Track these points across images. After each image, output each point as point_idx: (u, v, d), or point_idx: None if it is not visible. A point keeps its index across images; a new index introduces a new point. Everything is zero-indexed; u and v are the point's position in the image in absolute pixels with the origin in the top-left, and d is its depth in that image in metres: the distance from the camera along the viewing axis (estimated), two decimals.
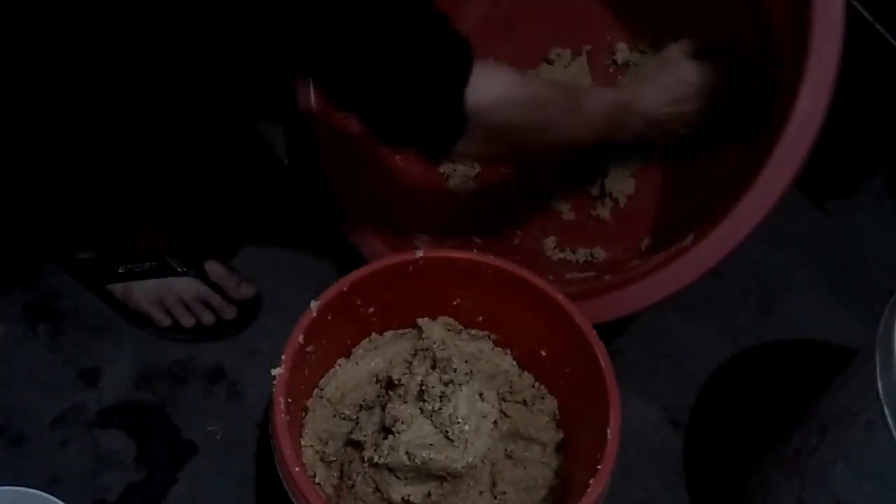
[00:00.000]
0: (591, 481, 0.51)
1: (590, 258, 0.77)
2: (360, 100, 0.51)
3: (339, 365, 0.64)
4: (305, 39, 0.47)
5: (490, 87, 0.52)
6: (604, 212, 0.79)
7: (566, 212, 0.81)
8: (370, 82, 0.49)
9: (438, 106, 0.51)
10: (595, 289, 0.65)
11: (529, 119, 0.56)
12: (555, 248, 0.79)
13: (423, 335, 0.62)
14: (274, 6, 0.45)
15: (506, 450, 0.61)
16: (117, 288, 0.75)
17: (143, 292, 0.75)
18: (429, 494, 0.56)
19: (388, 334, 0.67)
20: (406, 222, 0.78)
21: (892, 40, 0.79)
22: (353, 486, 0.57)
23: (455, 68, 0.50)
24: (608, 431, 0.53)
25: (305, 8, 0.45)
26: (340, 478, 0.59)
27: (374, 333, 0.66)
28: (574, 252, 0.78)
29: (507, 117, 0.54)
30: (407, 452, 0.54)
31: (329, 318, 0.59)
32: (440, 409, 0.55)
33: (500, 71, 0.54)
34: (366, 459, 0.56)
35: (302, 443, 0.60)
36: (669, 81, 0.68)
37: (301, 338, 0.56)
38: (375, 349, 0.65)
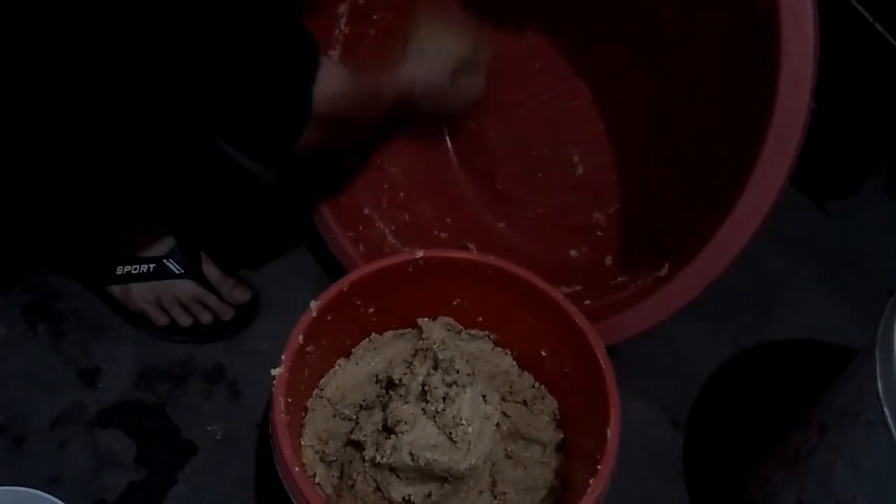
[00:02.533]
0: (591, 481, 0.50)
1: (576, 254, 0.77)
2: (207, 92, 0.52)
3: (339, 365, 0.64)
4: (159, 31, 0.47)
5: (332, 83, 0.56)
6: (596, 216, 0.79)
7: None
8: (220, 73, 0.51)
9: (289, 97, 0.54)
10: (593, 310, 0.65)
11: (357, 110, 0.61)
12: None
13: (424, 335, 0.62)
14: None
15: (506, 450, 0.61)
16: (116, 288, 0.75)
17: (140, 292, 0.75)
18: (429, 495, 0.56)
19: (388, 334, 0.67)
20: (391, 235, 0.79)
21: (892, 40, 0.79)
22: (353, 486, 0.57)
23: (305, 63, 0.54)
24: (608, 431, 0.53)
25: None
26: (340, 478, 0.59)
27: (374, 333, 0.66)
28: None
29: (342, 110, 0.58)
30: (410, 453, 0.54)
31: (329, 318, 0.59)
32: (443, 410, 0.55)
33: (340, 69, 0.59)
34: (367, 459, 0.56)
35: (302, 443, 0.60)
36: (435, 54, 0.69)
37: (301, 338, 0.56)
38: (375, 349, 0.65)
